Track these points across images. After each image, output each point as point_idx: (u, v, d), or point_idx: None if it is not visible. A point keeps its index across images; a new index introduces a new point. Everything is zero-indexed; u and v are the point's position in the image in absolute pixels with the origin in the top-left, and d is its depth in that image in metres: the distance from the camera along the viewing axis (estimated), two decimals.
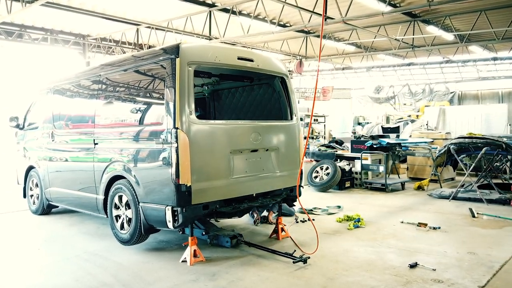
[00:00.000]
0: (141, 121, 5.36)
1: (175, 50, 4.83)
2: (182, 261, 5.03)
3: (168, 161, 4.74)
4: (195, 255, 5.02)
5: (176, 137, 4.66)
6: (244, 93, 6.89)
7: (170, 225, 4.77)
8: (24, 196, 8.20)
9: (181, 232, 5.75)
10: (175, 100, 4.70)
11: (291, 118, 6.11)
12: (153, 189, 5.04)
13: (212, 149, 5.04)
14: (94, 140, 6.04)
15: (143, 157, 5.20)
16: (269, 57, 6.23)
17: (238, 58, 5.43)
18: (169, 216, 4.74)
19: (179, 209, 4.69)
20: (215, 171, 5.05)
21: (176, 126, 4.68)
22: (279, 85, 6.11)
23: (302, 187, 6.27)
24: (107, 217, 5.87)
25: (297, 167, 6.09)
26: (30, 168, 7.90)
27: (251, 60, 5.57)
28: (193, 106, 4.81)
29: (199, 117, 5.20)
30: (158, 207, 4.90)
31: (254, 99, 6.68)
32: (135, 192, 5.25)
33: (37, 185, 7.71)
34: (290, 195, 6.03)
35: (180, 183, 4.65)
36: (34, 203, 7.88)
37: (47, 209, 7.67)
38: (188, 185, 4.69)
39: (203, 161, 4.90)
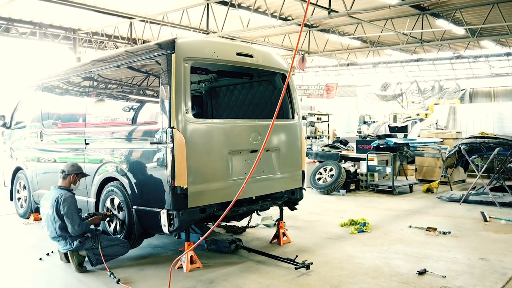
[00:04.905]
0: (134, 120, 5.36)
1: (170, 45, 4.83)
2: (178, 268, 5.03)
3: (163, 162, 4.74)
4: (191, 261, 5.02)
5: (172, 137, 4.66)
6: (243, 90, 6.89)
7: (165, 229, 4.76)
8: (11, 199, 8.20)
9: (176, 237, 5.75)
10: (171, 98, 4.70)
11: (293, 117, 6.11)
12: (148, 192, 5.03)
13: (210, 150, 5.03)
14: (85, 140, 6.04)
15: (137, 158, 5.20)
16: (270, 52, 6.23)
17: (237, 54, 5.43)
18: (164, 220, 4.74)
19: (174, 212, 4.69)
20: (212, 172, 5.04)
21: (171, 125, 4.68)
22: (280, 82, 6.12)
23: (304, 189, 6.27)
24: None
25: (299, 169, 6.09)
26: (18, 169, 7.90)
27: (251, 56, 5.58)
28: (189, 104, 4.81)
29: (196, 115, 5.20)
30: (152, 211, 4.90)
31: (253, 96, 6.69)
32: (128, 195, 5.25)
33: (24, 187, 7.70)
34: (291, 198, 6.03)
35: (175, 185, 4.65)
36: (21, 206, 7.88)
37: (35, 213, 7.66)
38: (184, 188, 4.69)
39: (200, 162, 4.90)
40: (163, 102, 4.80)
